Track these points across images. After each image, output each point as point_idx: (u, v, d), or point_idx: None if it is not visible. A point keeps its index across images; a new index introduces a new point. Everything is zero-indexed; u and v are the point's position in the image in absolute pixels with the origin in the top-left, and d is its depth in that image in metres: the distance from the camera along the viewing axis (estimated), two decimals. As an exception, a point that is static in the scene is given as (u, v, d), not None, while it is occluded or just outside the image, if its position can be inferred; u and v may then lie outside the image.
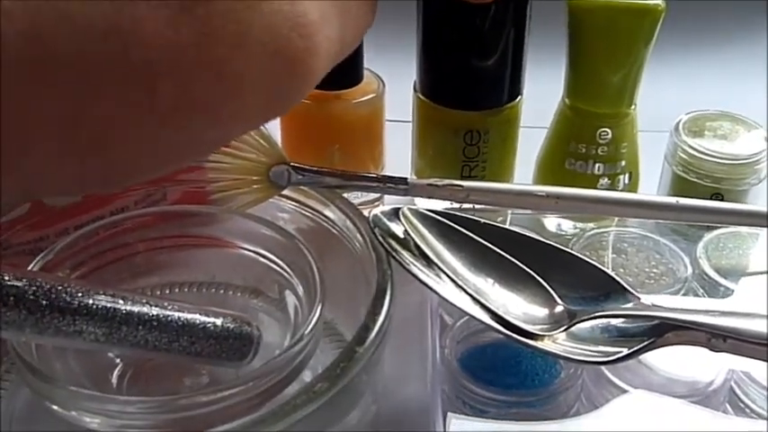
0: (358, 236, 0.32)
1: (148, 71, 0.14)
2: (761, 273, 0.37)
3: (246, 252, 0.34)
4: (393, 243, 0.30)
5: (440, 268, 0.30)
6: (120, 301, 0.26)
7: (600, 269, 0.30)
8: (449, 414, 0.29)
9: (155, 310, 0.27)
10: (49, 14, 0.13)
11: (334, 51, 0.17)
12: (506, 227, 0.33)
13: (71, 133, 0.14)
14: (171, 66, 0.14)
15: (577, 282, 0.30)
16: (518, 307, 0.29)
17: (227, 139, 0.17)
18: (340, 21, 0.17)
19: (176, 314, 0.27)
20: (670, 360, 0.32)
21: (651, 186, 0.46)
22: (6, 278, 0.23)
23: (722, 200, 0.42)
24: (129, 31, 0.14)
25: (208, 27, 0.14)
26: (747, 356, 0.26)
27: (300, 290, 0.32)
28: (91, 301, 0.25)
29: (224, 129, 0.17)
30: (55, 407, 0.25)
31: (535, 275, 0.30)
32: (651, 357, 0.32)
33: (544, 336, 0.28)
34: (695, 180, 0.43)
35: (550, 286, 0.30)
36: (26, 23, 0.12)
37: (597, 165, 0.42)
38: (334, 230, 0.33)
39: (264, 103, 0.16)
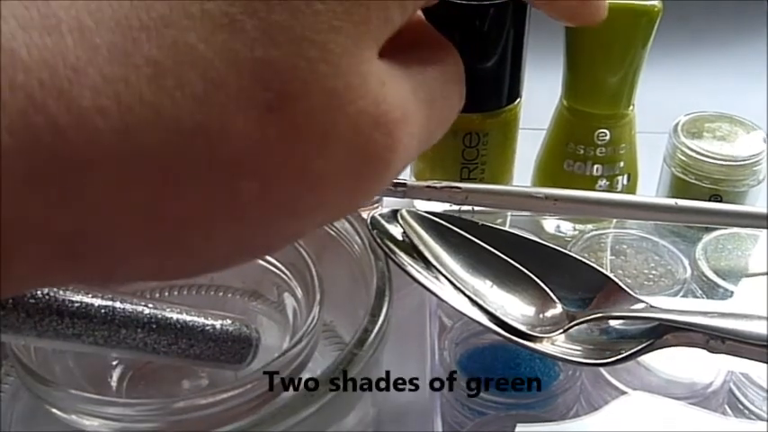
0: (357, 238, 0.32)
1: (233, 169, 0.14)
2: (760, 274, 0.37)
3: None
4: (391, 245, 0.30)
5: (438, 270, 0.30)
6: (119, 304, 0.26)
7: (599, 271, 0.30)
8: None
9: (154, 313, 0.27)
10: (140, 112, 0.13)
11: (416, 143, 0.18)
12: (505, 229, 0.33)
13: (152, 228, 0.14)
14: (255, 164, 0.14)
15: (576, 283, 0.30)
16: (516, 309, 0.29)
17: (305, 232, 0.17)
18: (425, 113, 0.18)
19: (175, 317, 0.27)
20: (669, 362, 0.32)
21: (650, 188, 0.46)
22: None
23: (721, 201, 0.42)
24: (216, 130, 0.14)
25: (294, 127, 0.14)
26: (746, 358, 0.26)
27: (299, 292, 0.32)
28: (89, 304, 0.25)
29: (303, 223, 0.17)
30: (54, 410, 0.25)
31: (533, 277, 0.30)
32: (650, 359, 0.32)
33: (543, 337, 0.28)
34: (694, 181, 0.43)
35: (549, 288, 0.30)
36: (120, 121, 0.13)
37: (595, 166, 0.42)
38: (333, 233, 0.33)
39: (345, 198, 0.17)
